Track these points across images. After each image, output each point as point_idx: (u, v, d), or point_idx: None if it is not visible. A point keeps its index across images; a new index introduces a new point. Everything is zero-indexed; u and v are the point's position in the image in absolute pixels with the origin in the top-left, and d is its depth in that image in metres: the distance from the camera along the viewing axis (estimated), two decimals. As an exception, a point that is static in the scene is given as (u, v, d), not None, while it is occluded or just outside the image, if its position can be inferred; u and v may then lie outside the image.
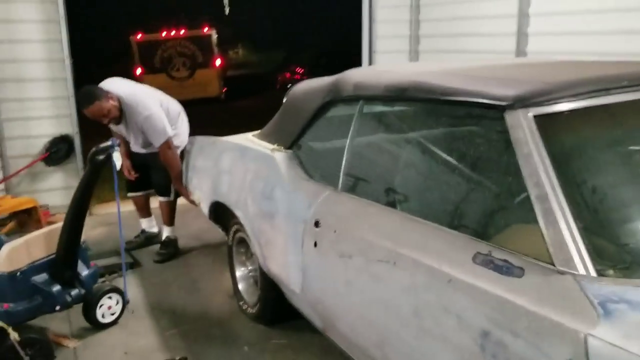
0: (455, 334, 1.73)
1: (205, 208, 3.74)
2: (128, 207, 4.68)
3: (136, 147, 4.29)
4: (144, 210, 4.56)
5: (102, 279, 3.93)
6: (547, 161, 1.73)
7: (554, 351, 1.45)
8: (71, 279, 3.03)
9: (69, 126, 5.24)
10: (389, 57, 6.09)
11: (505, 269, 1.66)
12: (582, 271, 1.53)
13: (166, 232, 4.39)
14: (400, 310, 1.96)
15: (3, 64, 4.97)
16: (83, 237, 3.22)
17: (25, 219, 4.91)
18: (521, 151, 1.79)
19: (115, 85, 4.02)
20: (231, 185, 3.33)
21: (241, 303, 3.45)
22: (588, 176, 1.80)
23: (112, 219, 5.24)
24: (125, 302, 3.35)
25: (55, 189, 5.25)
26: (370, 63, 6.13)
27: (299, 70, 15.26)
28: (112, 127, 4.19)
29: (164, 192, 4.31)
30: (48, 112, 5.20)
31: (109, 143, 2.82)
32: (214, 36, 16.32)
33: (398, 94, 2.33)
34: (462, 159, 2.12)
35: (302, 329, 3.06)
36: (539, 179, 1.70)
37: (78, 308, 3.26)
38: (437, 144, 2.25)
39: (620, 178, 1.87)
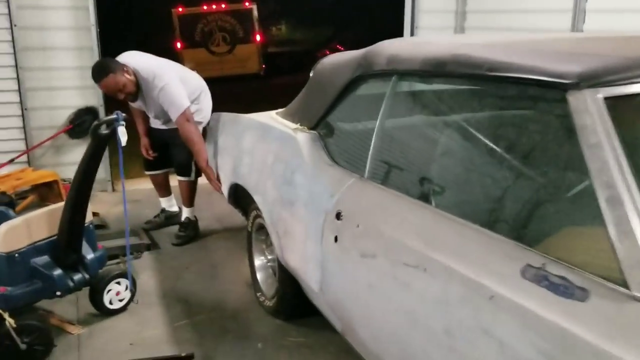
0: (495, 364, 1.41)
1: (225, 190, 3.48)
2: (149, 184, 4.47)
3: (156, 123, 4.06)
4: (163, 189, 4.34)
5: (117, 261, 3.73)
6: (622, 155, 1.37)
7: (626, 404, 1.12)
8: (74, 263, 2.81)
9: (94, 98, 5.06)
10: (432, 34, 5.67)
11: (563, 289, 1.32)
12: (667, 300, 1.18)
13: (186, 214, 4.16)
14: (428, 325, 1.65)
15: (27, 31, 4.79)
16: (92, 216, 3.00)
17: (46, 193, 4.78)
18: (587, 141, 1.43)
19: (132, 58, 3.78)
20: (251, 167, 3.04)
21: (258, 294, 3.19)
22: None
23: (136, 195, 5.08)
24: (131, 292, 3.12)
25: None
26: (412, 39, 5.73)
27: (341, 48, 14.83)
28: (131, 103, 3.95)
29: (184, 171, 4.06)
30: (73, 83, 5.01)
31: (113, 116, 2.56)
32: (255, 11, 16.01)
33: (437, 69, 1.98)
34: (512, 148, 1.77)
35: (322, 326, 2.77)
36: (610, 178, 1.35)
37: (87, 291, 3.06)
38: (482, 130, 1.90)
39: None
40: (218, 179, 3.62)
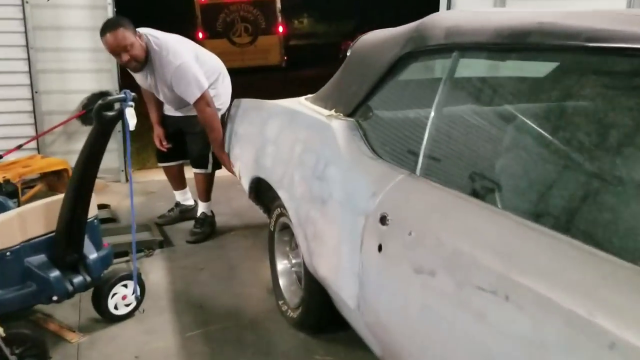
0: None
1: (245, 184, 3.09)
2: (165, 176, 4.11)
3: (170, 110, 3.68)
4: (178, 182, 3.97)
5: (127, 258, 3.37)
6: None
7: None
8: (74, 263, 2.45)
9: (109, 82, 4.71)
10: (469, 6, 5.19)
11: None
12: None
13: (202, 208, 3.78)
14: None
15: (40, 9, 4.45)
16: (96, 211, 2.64)
17: (55, 182, 4.44)
18: None
19: (147, 30, 3.39)
20: (276, 158, 2.65)
21: (281, 303, 2.80)
22: None
23: (151, 187, 4.73)
24: (137, 300, 2.75)
25: None
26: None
27: (364, 40, 14.39)
28: (138, 79, 3.55)
29: (200, 163, 3.68)
30: (87, 65, 4.67)
31: (120, 95, 2.19)
32: (278, 2, 15.62)
33: (516, 41, 1.56)
34: (620, 143, 1.35)
35: (353, 343, 2.38)
36: None
37: (90, 293, 2.71)
38: (576, 117, 1.48)
39: None
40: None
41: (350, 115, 2.24)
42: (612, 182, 1.32)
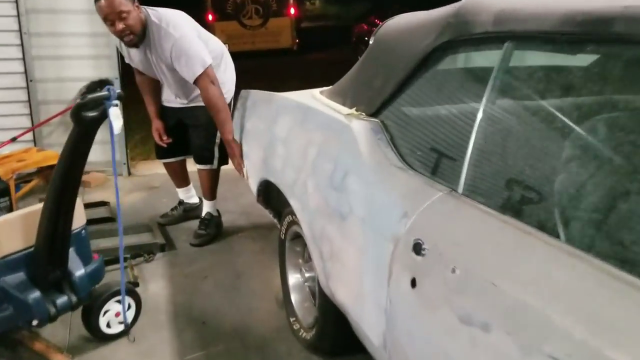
0: None
1: (253, 185, 2.77)
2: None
3: (169, 100, 3.35)
4: (180, 178, 3.64)
5: (125, 264, 3.07)
6: None
7: None
8: (58, 281, 2.14)
9: (109, 69, 4.37)
10: None
11: None
12: None
13: (207, 208, 3.47)
14: None
15: (34, -9, 4.12)
16: (83, 221, 2.33)
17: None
18: None
19: (147, 6, 3.04)
20: (287, 161, 2.32)
21: (292, 320, 2.49)
22: None
23: (155, 181, 4.42)
24: (126, 327, 2.44)
25: (93, 143, 4.41)
26: None
27: (378, 22, 13.87)
28: (135, 60, 3.20)
29: (204, 158, 3.36)
30: (85, 51, 4.34)
31: (103, 93, 1.87)
32: (290, -17, 15.13)
33: (595, 30, 1.21)
34: None
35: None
36: None
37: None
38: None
39: None
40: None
41: (373, 114, 1.90)
42: None
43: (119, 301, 2.43)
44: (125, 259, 3.11)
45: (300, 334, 2.40)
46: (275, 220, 2.76)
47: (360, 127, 1.88)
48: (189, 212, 3.66)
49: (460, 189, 1.44)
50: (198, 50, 2.96)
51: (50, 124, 4.33)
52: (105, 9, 2.83)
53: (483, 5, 1.53)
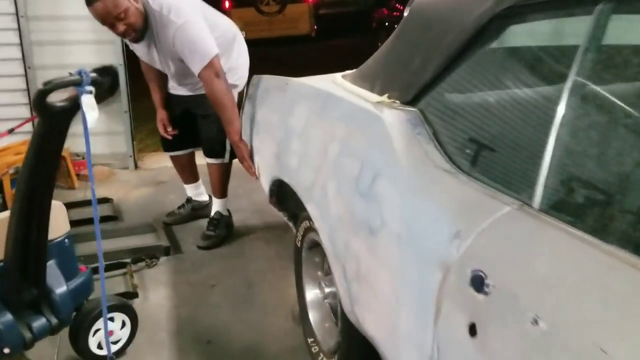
0: None
1: (265, 184, 2.40)
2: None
3: (175, 87, 2.99)
4: (188, 174, 3.29)
5: (124, 271, 2.74)
6: None
7: None
8: (34, 301, 1.80)
9: (112, 55, 4.02)
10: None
11: None
12: None
13: (216, 207, 3.11)
14: None
15: (31, -30, 3.78)
16: (67, 227, 1.98)
17: (52, 171, 3.81)
18: None
19: None
20: (303, 158, 1.94)
21: (310, 341, 2.13)
22: None
23: (162, 175, 4.08)
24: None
25: (95, 134, 3.99)
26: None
27: (399, 6, 13.28)
28: (139, 52, 2.86)
29: (214, 151, 2.99)
30: (87, 36, 3.98)
31: (73, 77, 1.51)
32: (307, -33, 14.66)
33: None
34: None
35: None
36: None
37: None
38: None
39: None
40: (252, 159, 2.57)
41: (410, 102, 1.51)
42: None
43: (111, 319, 2.09)
44: (125, 265, 2.78)
45: (320, 358, 2.04)
46: (290, 224, 2.40)
47: (393, 118, 1.50)
48: (198, 210, 3.31)
49: (537, 202, 1.06)
50: (203, 39, 2.60)
51: (51, 114, 4.01)
52: (101, 14, 2.52)
53: (565, -46, 1.14)
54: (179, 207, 3.31)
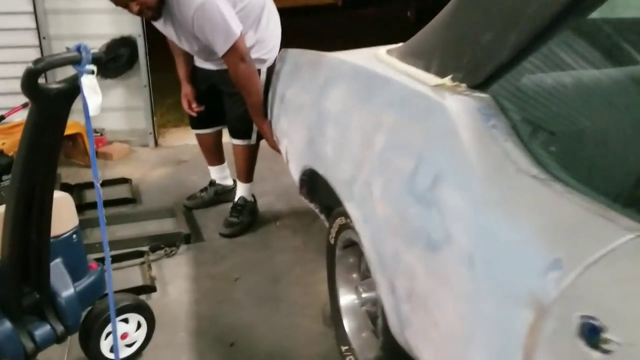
0: None
1: (295, 172, 2.14)
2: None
3: (202, 62, 2.72)
4: (214, 155, 3.03)
5: (142, 260, 2.53)
6: None
7: None
8: (36, 307, 1.58)
9: (131, 25, 3.75)
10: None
11: None
12: None
13: (241, 192, 2.86)
14: None
15: None
16: (75, 222, 1.75)
17: (69, 149, 3.61)
18: None
19: None
20: (341, 148, 1.66)
21: (344, 349, 1.88)
22: None
23: (184, 154, 3.84)
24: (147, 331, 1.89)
25: (113, 109, 3.84)
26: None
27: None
28: (159, 28, 2.59)
29: (241, 132, 2.73)
30: (104, 5, 3.66)
31: (69, 54, 1.25)
32: None
33: None
34: None
35: None
36: None
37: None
38: None
39: None
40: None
41: (481, 86, 1.22)
42: None
43: (125, 320, 1.87)
44: (143, 253, 2.56)
45: (356, 371, 1.80)
46: (322, 217, 2.14)
47: (459, 105, 1.21)
48: (221, 195, 3.06)
49: (675, 230, 0.77)
50: (225, 20, 2.31)
51: (68, 88, 3.77)
52: None
53: None
54: (201, 191, 3.07)
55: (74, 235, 1.71)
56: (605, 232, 0.84)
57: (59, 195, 1.67)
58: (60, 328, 1.61)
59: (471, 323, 1.04)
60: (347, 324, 1.89)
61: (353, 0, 13.71)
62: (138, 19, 3.67)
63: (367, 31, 8.43)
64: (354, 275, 1.89)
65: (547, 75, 1.11)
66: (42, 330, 1.58)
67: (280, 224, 2.88)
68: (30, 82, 1.19)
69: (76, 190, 3.18)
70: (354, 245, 1.85)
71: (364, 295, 1.79)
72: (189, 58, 2.77)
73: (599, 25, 1.06)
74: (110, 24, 3.72)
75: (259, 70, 2.53)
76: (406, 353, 1.40)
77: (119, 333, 1.87)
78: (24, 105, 3.57)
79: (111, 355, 1.87)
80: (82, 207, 2.89)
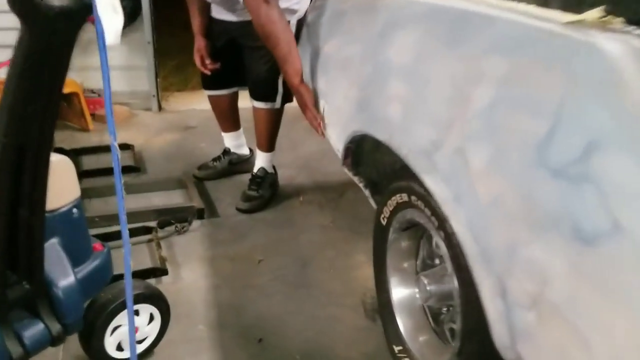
0: None
1: (337, 141, 1.78)
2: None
3: (219, 11, 2.32)
4: (229, 119, 2.65)
5: (149, 237, 2.18)
6: None
7: None
8: (28, 300, 1.23)
9: (134, -25, 3.32)
10: None
11: None
12: None
13: (261, 162, 2.50)
14: None
15: None
16: (78, 194, 1.39)
17: (64, 111, 3.22)
18: None
19: None
20: (414, 107, 1.30)
21: (398, 350, 1.56)
22: None
23: (191, 119, 3.46)
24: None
25: (112, 68, 3.32)
26: None
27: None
28: None
29: (264, 93, 2.35)
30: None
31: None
32: None
33: None
34: None
35: None
36: None
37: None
38: None
39: None
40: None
41: (651, 20, 0.87)
42: None
43: (136, 312, 1.53)
44: (150, 230, 2.21)
45: (414, 377, 1.47)
46: (367, 193, 1.79)
47: (620, 47, 0.86)
48: (236, 165, 2.70)
49: None
50: None
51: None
52: None
53: None
54: (214, 160, 2.70)
55: (75, 209, 1.35)
56: None
57: (56, 159, 1.31)
58: (56, 327, 1.26)
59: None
60: (402, 323, 1.56)
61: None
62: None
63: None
64: (412, 262, 1.56)
65: None
66: (33, 331, 1.23)
67: (304, 199, 2.52)
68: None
69: (72, 156, 2.78)
70: (414, 228, 1.52)
71: (429, 287, 1.45)
72: (204, 8, 2.37)
73: None
74: (110, -28, 3.29)
75: (288, 22, 2.15)
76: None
77: (127, 330, 1.53)
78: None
79: (118, 355, 1.53)
80: (79, 175, 2.52)
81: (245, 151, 2.72)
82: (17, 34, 0.92)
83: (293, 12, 2.19)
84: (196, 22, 2.41)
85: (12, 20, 0.91)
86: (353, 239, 2.20)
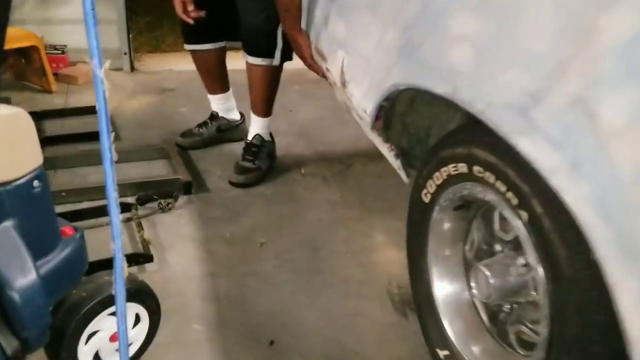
0: None
1: (365, 98, 1.44)
2: (192, 64, 2.38)
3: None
4: (216, 79, 2.28)
5: (128, 216, 1.82)
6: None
7: None
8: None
9: None
10: None
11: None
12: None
13: (256, 128, 2.14)
14: None
15: None
16: (40, 160, 1.02)
17: (22, 67, 2.79)
18: None
19: None
20: (498, 48, 0.98)
21: (444, 355, 1.26)
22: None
23: (169, 81, 3.08)
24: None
25: (76, 22, 2.93)
26: None
27: None
28: None
29: (260, 47, 1.98)
30: None
31: None
32: None
33: None
34: None
35: None
36: None
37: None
38: None
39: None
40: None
41: None
42: None
43: (114, 313, 1.19)
44: (129, 207, 1.84)
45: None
46: (398, 164, 1.47)
47: None
48: (226, 132, 2.34)
49: None
50: None
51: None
52: None
53: None
54: (199, 126, 2.33)
55: (36, 182, 0.99)
56: None
57: (9, 112, 0.95)
58: (12, 343, 0.91)
59: None
60: (448, 321, 1.26)
61: None
62: None
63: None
64: (464, 249, 1.26)
65: None
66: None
67: (305, 172, 2.19)
68: None
69: (33, 120, 2.39)
70: (467, 207, 1.22)
71: (491, 281, 1.15)
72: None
73: None
74: None
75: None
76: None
77: (109, 332, 1.20)
78: None
79: (97, 364, 1.19)
80: (41, 142, 2.13)
81: (235, 116, 2.35)
82: None
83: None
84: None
85: None
86: (367, 216, 1.88)
